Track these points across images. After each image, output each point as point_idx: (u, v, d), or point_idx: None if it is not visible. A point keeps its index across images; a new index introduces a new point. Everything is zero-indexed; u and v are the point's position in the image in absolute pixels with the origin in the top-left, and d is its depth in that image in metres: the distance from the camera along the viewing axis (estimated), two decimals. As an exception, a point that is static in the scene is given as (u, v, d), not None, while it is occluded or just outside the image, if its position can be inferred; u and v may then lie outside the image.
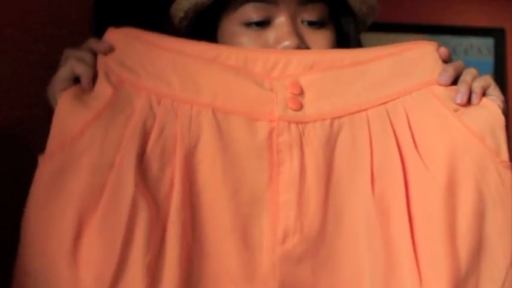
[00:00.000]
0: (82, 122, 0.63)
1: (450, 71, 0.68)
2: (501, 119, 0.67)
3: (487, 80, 0.69)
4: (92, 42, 0.68)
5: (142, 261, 0.60)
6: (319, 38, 0.75)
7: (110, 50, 0.67)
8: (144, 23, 1.41)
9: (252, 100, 0.66)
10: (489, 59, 2.22)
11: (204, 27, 0.80)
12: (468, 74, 0.68)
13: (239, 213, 0.64)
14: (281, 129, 0.65)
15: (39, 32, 1.13)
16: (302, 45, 0.74)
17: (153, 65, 0.67)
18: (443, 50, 0.70)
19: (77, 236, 0.60)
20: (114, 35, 0.69)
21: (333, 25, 0.78)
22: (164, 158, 0.64)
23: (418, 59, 0.70)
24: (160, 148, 0.64)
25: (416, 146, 0.66)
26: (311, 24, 0.75)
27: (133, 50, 0.68)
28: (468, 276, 0.63)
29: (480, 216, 0.64)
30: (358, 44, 0.83)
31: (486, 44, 2.24)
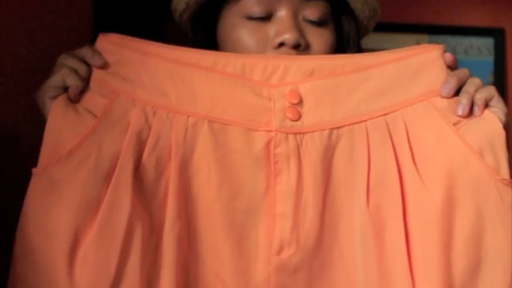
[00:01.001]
0: (77, 136, 0.62)
1: (453, 82, 0.67)
2: (501, 133, 0.65)
3: (491, 91, 0.67)
4: (87, 54, 0.67)
5: (139, 272, 0.60)
6: (319, 35, 0.75)
7: (105, 64, 0.66)
8: (144, 22, 1.40)
9: (249, 110, 0.66)
10: (489, 59, 2.22)
11: (205, 19, 0.80)
12: (471, 85, 0.67)
13: (235, 223, 0.64)
14: (279, 140, 0.65)
15: (40, 33, 1.12)
16: (302, 40, 0.73)
17: (148, 76, 0.66)
18: (449, 56, 0.69)
19: (74, 249, 0.60)
20: (106, 44, 0.68)
21: (333, 26, 0.78)
22: (159, 168, 0.64)
23: (422, 66, 0.68)
24: (155, 159, 0.63)
25: (414, 161, 0.65)
26: (312, 22, 0.75)
27: (128, 60, 0.67)
28: None
29: (478, 234, 0.63)
30: (359, 48, 0.82)
31: (486, 44, 2.24)
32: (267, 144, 0.65)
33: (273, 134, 0.65)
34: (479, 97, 0.66)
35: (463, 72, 0.69)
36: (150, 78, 0.66)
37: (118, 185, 0.61)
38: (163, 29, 1.56)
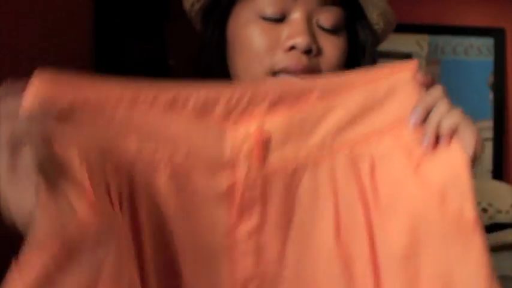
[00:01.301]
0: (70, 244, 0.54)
1: (419, 111, 0.64)
2: (466, 168, 0.61)
3: (456, 116, 0.63)
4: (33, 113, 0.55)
5: None
6: (332, 42, 0.74)
7: (54, 115, 0.57)
8: (144, 22, 1.41)
9: (212, 154, 0.63)
10: (489, 59, 2.22)
11: (217, 11, 0.79)
12: (436, 113, 0.63)
13: (201, 269, 0.63)
14: (245, 183, 0.63)
15: (40, 33, 1.13)
16: (313, 45, 0.72)
17: (108, 123, 0.61)
18: (421, 77, 0.65)
19: None
20: (51, 86, 0.58)
21: (346, 34, 0.77)
22: (132, 220, 0.61)
23: (392, 90, 0.65)
24: (129, 212, 0.61)
25: (379, 201, 0.64)
26: (325, 28, 0.74)
27: (81, 105, 0.60)
28: None
29: (447, 278, 0.61)
30: (373, 61, 0.81)
31: (486, 44, 2.24)
32: (232, 186, 0.63)
33: (238, 176, 0.63)
34: (445, 127, 0.62)
35: (433, 94, 0.65)
36: (110, 126, 0.61)
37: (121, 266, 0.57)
38: (163, 29, 1.56)
